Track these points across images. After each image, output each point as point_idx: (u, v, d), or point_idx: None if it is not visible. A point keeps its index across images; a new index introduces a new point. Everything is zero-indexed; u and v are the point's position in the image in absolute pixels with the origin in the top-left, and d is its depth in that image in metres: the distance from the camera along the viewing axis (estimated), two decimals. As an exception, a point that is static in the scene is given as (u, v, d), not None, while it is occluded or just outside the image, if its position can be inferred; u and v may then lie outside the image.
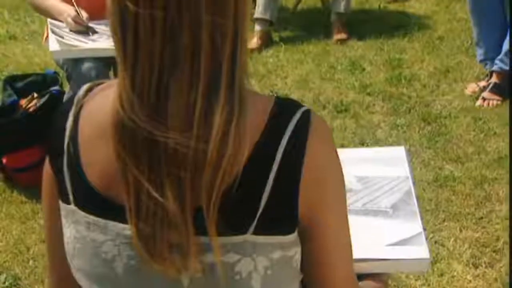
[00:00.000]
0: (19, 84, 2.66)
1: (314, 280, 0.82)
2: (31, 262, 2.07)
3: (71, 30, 2.22)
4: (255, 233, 0.74)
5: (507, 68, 2.88)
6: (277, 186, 0.74)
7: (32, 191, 2.39)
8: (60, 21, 2.24)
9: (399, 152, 1.18)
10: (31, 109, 2.50)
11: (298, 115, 0.75)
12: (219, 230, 0.72)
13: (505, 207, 2.21)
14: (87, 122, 0.78)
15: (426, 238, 1.03)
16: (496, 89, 2.90)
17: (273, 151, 0.73)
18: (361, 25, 3.77)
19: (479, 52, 3.02)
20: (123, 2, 0.69)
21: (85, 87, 0.80)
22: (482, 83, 3.00)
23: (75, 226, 0.80)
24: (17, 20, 4.04)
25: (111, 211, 0.76)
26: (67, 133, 0.79)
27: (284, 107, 0.76)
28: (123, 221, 0.75)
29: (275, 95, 2.78)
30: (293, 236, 0.77)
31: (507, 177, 2.37)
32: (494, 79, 2.93)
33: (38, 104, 2.51)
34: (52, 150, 0.82)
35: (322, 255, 0.80)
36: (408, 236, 1.02)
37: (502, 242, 2.06)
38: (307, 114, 0.75)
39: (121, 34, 0.71)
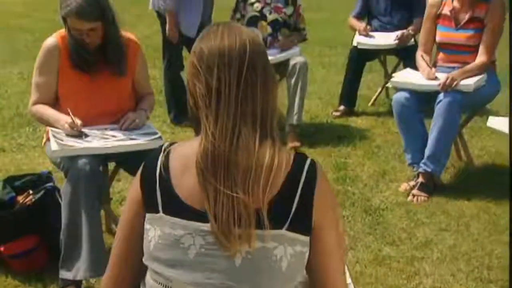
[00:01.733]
0: (17, 183, 2.79)
1: (317, 272, 1.18)
2: (24, 338, 2.20)
3: (67, 135, 2.52)
4: (287, 229, 1.14)
5: (429, 170, 3.36)
6: (301, 200, 1.15)
7: (25, 275, 2.57)
8: (57, 127, 2.54)
9: None
10: (28, 203, 2.64)
11: (309, 160, 1.20)
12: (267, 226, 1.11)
13: (430, 280, 2.59)
14: (176, 159, 1.18)
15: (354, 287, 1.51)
16: (422, 187, 3.33)
17: (299, 177, 1.17)
18: (312, 135, 4.16)
19: (408, 157, 3.46)
20: (211, 84, 1.12)
21: (167, 143, 1.21)
22: (412, 183, 3.39)
23: (161, 228, 1.15)
24: (5, 135, 4.25)
25: (192, 215, 1.13)
26: (158, 167, 1.17)
27: (301, 154, 1.21)
28: (200, 220, 1.12)
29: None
30: (308, 239, 1.17)
31: (432, 256, 2.78)
32: (420, 179, 3.33)
33: (34, 199, 2.64)
34: (144, 179, 1.20)
35: (323, 256, 1.18)
36: None
37: (428, 308, 2.39)
38: (313, 161, 1.21)
39: (208, 101, 1.15)
